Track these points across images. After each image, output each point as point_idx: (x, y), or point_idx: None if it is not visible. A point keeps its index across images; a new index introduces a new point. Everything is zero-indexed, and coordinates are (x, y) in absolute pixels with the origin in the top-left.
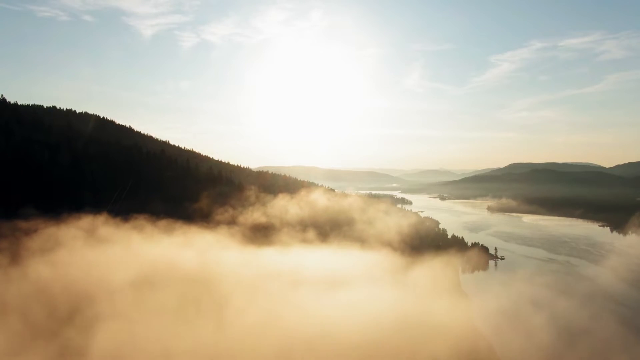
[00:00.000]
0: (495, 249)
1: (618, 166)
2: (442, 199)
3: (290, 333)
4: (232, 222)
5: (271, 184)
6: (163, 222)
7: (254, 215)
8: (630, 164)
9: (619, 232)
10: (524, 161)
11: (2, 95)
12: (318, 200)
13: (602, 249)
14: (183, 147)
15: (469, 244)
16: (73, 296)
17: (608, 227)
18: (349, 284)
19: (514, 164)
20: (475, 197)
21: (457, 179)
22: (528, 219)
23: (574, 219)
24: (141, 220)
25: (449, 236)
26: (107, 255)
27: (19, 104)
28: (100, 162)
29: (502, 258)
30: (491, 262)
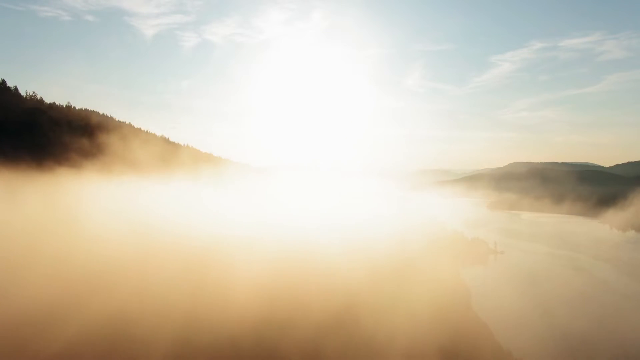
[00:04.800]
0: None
1: (617, 165)
2: (442, 197)
3: None
4: None
5: None
6: None
7: None
8: (629, 164)
9: (618, 229)
10: (524, 160)
11: (2, 80)
12: None
13: (601, 245)
14: (184, 145)
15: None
16: None
17: (607, 224)
18: None
19: (514, 163)
20: (475, 195)
21: (457, 178)
22: (528, 216)
23: (574, 216)
24: None
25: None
26: None
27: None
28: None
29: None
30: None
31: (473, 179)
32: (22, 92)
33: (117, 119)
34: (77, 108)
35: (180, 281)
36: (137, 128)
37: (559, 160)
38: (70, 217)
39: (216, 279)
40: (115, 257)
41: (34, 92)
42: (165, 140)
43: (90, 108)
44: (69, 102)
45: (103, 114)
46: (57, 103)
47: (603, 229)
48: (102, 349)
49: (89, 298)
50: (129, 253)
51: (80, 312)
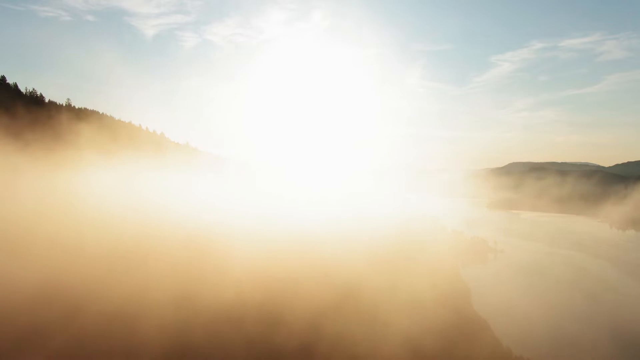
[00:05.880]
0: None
1: (617, 165)
2: (442, 197)
3: None
4: None
5: None
6: None
7: None
8: (629, 163)
9: (618, 228)
10: (524, 160)
11: (2, 76)
12: None
13: (600, 244)
14: (183, 144)
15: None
16: None
17: (607, 224)
18: None
19: (514, 162)
20: (475, 195)
21: (456, 177)
22: (528, 215)
23: (573, 216)
24: None
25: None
26: None
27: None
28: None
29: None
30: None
31: (473, 179)
32: (22, 89)
33: (116, 118)
34: (76, 107)
35: (182, 266)
36: (137, 127)
37: (559, 160)
38: (74, 209)
39: (217, 267)
40: (118, 244)
41: (33, 89)
42: (165, 139)
43: (89, 107)
44: (68, 101)
45: (102, 113)
46: (57, 102)
47: (602, 228)
48: (103, 330)
49: (90, 285)
50: (131, 241)
51: (83, 297)
